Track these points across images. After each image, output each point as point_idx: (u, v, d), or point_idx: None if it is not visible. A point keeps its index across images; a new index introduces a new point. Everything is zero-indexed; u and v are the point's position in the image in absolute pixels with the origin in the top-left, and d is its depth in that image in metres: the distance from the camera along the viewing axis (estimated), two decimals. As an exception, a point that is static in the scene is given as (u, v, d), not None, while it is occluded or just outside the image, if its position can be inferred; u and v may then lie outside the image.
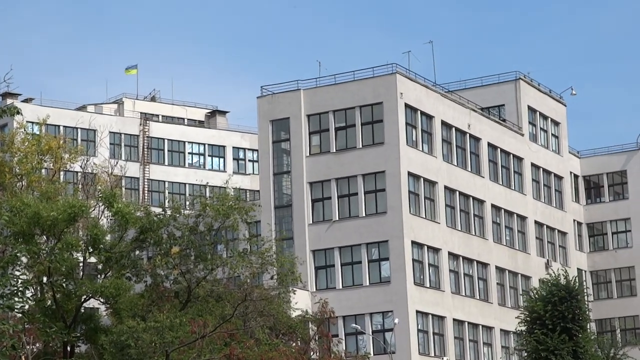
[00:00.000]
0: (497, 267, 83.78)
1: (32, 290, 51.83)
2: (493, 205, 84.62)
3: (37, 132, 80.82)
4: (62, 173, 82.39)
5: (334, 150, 77.59)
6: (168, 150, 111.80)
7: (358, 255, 76.07)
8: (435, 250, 77.91)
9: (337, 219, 76.49)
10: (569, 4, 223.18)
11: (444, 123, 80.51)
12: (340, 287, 75.50)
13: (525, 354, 58.40)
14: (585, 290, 61.32)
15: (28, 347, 46.08)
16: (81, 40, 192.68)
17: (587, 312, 59.19)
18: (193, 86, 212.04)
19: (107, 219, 58.69)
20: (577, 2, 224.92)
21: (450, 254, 79.01)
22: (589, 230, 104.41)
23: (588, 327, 59.57)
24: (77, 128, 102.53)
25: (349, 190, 76.77)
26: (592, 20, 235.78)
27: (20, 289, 24.56)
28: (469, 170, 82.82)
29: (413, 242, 75.64)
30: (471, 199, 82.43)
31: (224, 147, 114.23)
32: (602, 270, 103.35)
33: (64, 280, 50.83)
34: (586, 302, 59.29)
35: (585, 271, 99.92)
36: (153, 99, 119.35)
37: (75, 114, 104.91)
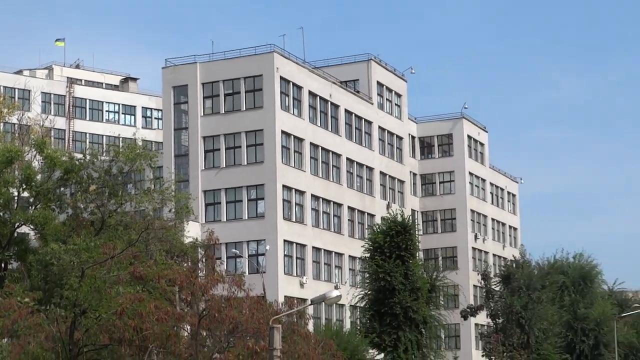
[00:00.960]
0: (349, 207, 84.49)
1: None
2: (347, 159, 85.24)
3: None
4: (1, 124, 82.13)
5: (223, 112, 77.45)
6: (89, 109, 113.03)
7: (240, 195, 76.22)
8: (301, 193, 78.30)
9: (224, 166, 76.47)
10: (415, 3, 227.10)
11: (310, 93, 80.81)
12: (225, 220, 75.65)
13: (367, 275, 59.29)
14: (416, 227, 62.40)
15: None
16: (19, 14, 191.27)
17: (417, 244, 60.25)
18: (111, 56, 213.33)
19: (38, 162, 57.88)
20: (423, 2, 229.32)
21: (312, 195, 79.49)
22: (421, 180, 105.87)
23: (417, 255, 60.59)
24: (14, 88, 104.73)
25: (234, 143, 76.72)
26: (432, 15, 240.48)
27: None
28: (330, 130, 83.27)
29: (284, 186, 75.95)
30: (330, 153, 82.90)
31: (134, 106, 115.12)
32: (430, 211, 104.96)
33: (1, 210, 50.25)
34: (416, 236, 60.20)
35: (417, 211, 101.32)
36: (77, 67, 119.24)
37: (13, 77, 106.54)
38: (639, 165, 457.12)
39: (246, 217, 75.67)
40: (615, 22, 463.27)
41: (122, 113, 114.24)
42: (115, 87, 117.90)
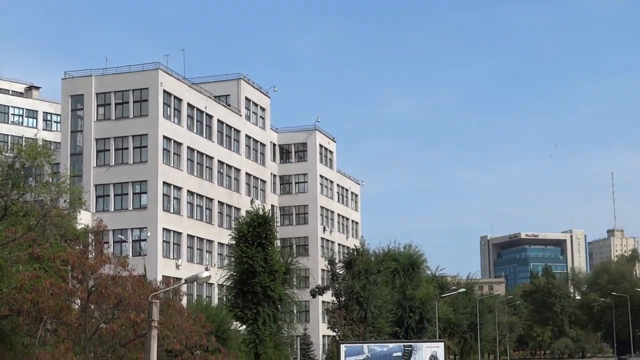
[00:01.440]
0: (219, 201, 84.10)
1: None
2: (219, 161, 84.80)
3: None
4: None
5: (113, 118, 76.00)
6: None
7: (126, 189, 74.96)
8: (178, 188, 77.50)
9: (113, 164, 75.08)
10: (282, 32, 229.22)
11: (189, 104, 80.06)
12: (112, 210, 74.29)
13: (233, 259, 59.12)
14: (274, 219, 62.45)
15: None
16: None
17: (275, 233, 60.26)
18: (18, 66, 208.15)
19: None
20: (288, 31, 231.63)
21: (188, 191, 78.76)
22: (280, 180, 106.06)
23: (275, 243, 60.64)
24: None
25: (122, 145, 75.44)
26: (295, 42, 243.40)
27: None
28: (204, 136, 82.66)
29: (164, 182, 75.06)
30: (204, 155, 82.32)
31: (36, 111, 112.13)
32: (287, 206, 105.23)
33: None
34: (275, 227, 60.26)
35: (276, 207, 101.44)
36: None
37: None
38: (456, 172, 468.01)
39: (131, 208, 74.47)
40: (437, 55, 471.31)
41: (26, 116, 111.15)
42: (20, 94, 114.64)
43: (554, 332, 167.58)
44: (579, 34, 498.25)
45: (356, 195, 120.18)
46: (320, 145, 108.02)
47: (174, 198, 77.07)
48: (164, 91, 76.09)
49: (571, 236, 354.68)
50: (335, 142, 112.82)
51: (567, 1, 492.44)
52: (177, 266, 74.83)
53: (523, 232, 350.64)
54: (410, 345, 43.62)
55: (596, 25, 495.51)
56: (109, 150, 75.72)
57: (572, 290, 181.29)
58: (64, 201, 58.08)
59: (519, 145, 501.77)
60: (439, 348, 43.33)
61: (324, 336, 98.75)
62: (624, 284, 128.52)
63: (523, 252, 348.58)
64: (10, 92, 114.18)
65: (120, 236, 72.67)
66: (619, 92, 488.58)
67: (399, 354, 43.16)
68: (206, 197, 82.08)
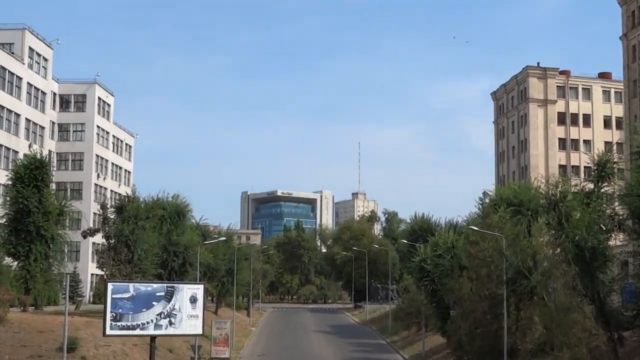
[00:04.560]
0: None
1: None
2: (0, 105, 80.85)
3: None
4: None
5: None
6: None
7: None
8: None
9: None
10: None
11: (-29, 47, 75.48)
12: None
13: (9, 199, 57.05)
14: (51, 164, 60.65)
15: None
16: None
17: (51, 177, 58.60)
18: None
19: None
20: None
21: None
22: (59, 128, 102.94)
23: (50, 186, 59.05)
24: None
25: None
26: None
27: None
28: (-15, 80, 78.45)
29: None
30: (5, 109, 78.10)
31: None
32: (64, 152, 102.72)
33: None
34: (51, 171, 58.85)
35: (53, 152, 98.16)
36: None
37: None
38: (223, 133, 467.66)
39: None
40: (211, 22, 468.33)
41: None
42: None
43: (301, 279, 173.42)
44: (342, 17, 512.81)
45: (130, 147, 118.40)
46: (99, 98, 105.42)
47: None
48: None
49: (321, 196, 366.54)
50: (113, 96, 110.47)
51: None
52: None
53: (279, 190, 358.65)
54: (173, 286, 43.97)
55: (355, 10, 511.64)
56: None
57: (319, 244, 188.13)
58: None
59: (283, 113, 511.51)
60: (198, 290, 43.97)
61: (92, 275, 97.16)
62: (364, 241, 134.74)
63: (278, 207, 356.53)
64: None
65: None
66: (372, 73, 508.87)
67: (162, 293, 43.35)
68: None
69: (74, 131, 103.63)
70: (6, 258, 55.36)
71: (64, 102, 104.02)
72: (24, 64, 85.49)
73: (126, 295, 41.52)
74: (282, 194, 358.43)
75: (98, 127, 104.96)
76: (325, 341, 78.05)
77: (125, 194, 72.72)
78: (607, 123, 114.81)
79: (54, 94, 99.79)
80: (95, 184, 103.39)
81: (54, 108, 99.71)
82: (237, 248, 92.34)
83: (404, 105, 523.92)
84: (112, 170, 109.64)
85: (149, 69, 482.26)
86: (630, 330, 42.48)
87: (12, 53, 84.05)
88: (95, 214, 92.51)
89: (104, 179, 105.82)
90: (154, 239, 65.68)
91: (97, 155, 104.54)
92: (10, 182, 57.13)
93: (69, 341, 44.02)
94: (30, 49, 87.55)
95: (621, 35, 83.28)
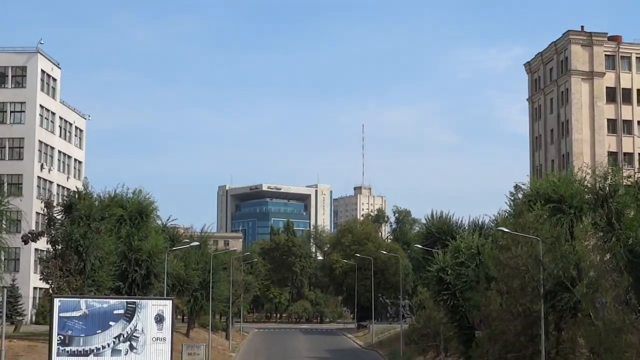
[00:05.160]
0: None
1: None
2: None
3: None
4: None
5: None
6: None
7: None
8: None
9: None
10: None
11: None
12: None
13: None
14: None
15: None
16: None
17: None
18: None
19: None
20: None
21: None
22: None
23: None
24: None
25: None
26: None
27: None
28: None
29: None
30: None
31: None
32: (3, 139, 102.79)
33: None
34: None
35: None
36: None
37: None
38: (196, 112, 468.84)
39: None
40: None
41: None
42: None
43: (292, 293, 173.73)
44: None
45: (81, 131, 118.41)
46: (43, 71, 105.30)
47: None
48: None
49: (316, 191, 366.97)
50: (60, 68, 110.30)
51: None
52: None
53: (265, 183, 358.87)
54: (134, 302, 44.07)
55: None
56: None
57: (314, 250, 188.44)
58: None
59: (268, 88, 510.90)
60: (166, 306, 44.10)
61: (35, 288, 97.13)
62: (369, 246, 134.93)
63: (264, 205, 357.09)
64: None
65: None
66: (377, 38, 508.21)
67: (121, 311, 43.45)
68: None
69: (11, 112, 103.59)
70: None
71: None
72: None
73: (77, 314, 41.56)
74: (268, 189, 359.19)
75: (41, 106, 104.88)
76: (321, 370, 78.11)
77: (76, 189, 72.68)
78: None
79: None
80: (39, 177, 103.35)
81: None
82: (214, 255, 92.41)
83: (417, 78, 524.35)
84: (59, 160, 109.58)
85: (103, 36, 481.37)
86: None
87: None
88: (38, 213, 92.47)
89: (49, 170, 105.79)
90: (111, 245, 65.64)
91: (41, 142, 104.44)
92: None
93: (7, 370, 43.96)
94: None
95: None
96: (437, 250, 64.37)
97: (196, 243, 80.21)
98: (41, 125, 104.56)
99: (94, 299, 45.42)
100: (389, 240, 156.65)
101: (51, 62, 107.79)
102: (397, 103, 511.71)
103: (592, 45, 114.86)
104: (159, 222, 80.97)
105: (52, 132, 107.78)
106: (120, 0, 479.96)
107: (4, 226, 61.88)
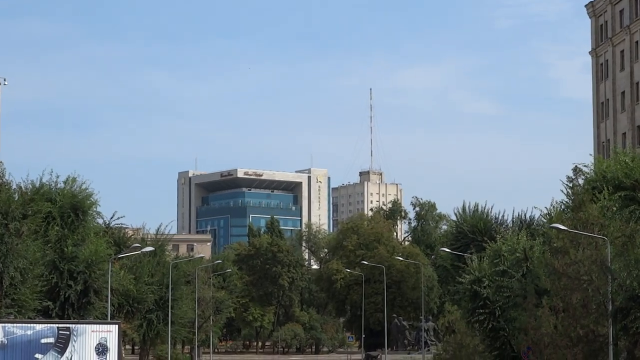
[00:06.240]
0: None
1: None
2: None
3: None
4: None
5: None
6: None
7: None
8: None
9: None
10: None
11: None
12: None
13: None
14: None
15: None
16: None
17: None
18: None
19: None
20: None
21: None
22: None
23: None
24: None
25: None
26: None
27: None
28: None
29: None
30: None
31: None
32: None
33: None
34: None
35: None
36: None
37: None
38: (151, 76, 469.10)
39: None
40: None
41: None
42: None
43: (278, 314, 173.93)
44: None
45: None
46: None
47: None
48: None
49: (309, 177, 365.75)
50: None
51: None
52: None
53: (241, 168, 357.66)
54: (68, 328, 44.41)
55: None
56: None
57: (307, 256, 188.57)
58: None
59: (245, 43, 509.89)
60: (110, 333, 44.41)
61: None
62: (380, 250, 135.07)
63: (239, 197, 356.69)
64: None
65: None
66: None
67: (51, 339, 43.83)
68: None
69: None
70: None
71: None
72: None
73: (-8, 344, 41.71)
74: (245, 175, 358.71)
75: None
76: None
77: (-12, 178, 72.83)
78: None
79: None
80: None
81: None
82: (173, 265, 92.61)
83: (442, 27, 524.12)
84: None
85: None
86: None
87: None
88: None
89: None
90: (37, 252, 65.77)
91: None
92: None
93: None
94: None
95: None
96: (470, 255, 64.60)
97: (150, 248, 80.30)
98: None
99: (15, 324, 45.64)
100: (407, 243, 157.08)
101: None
102: (415, 61, 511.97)
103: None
104: (100, 221, 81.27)
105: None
106: None
107: None
